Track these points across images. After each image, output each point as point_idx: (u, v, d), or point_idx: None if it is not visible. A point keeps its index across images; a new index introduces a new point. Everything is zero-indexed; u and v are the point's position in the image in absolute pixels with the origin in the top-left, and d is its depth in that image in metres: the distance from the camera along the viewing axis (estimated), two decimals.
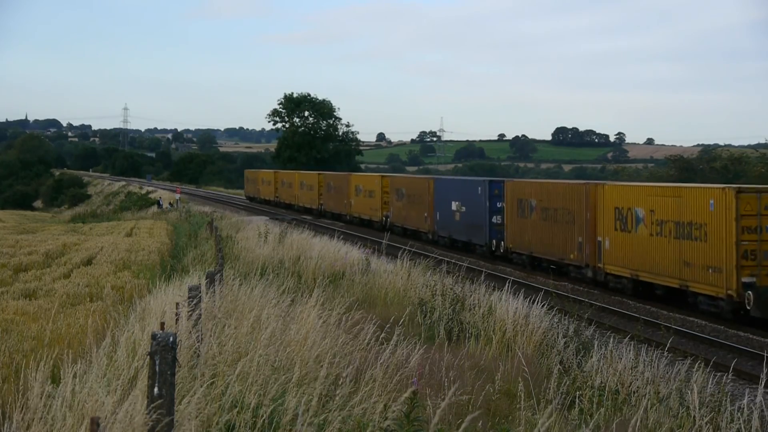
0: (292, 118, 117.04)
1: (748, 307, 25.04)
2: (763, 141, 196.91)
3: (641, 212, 30.23)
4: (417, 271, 25.43)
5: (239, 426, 8.90)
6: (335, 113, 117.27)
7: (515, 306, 18.00)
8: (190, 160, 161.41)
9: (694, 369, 13.78)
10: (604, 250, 32.30)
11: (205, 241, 38.42)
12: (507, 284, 21.41)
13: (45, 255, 35.20)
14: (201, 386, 9.02)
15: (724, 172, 72.27)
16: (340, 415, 8.94)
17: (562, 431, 10.87)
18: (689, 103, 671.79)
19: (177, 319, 11.36)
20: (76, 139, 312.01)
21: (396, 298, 21.84)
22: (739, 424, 11.40)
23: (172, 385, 7.40)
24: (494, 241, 41.61)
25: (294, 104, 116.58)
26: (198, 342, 11.04)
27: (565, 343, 15.45)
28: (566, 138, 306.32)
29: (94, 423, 6.36)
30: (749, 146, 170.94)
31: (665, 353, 15.09)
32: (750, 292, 25.05)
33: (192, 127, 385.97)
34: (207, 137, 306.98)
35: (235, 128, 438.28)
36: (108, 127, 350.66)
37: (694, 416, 11.54)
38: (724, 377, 14.10)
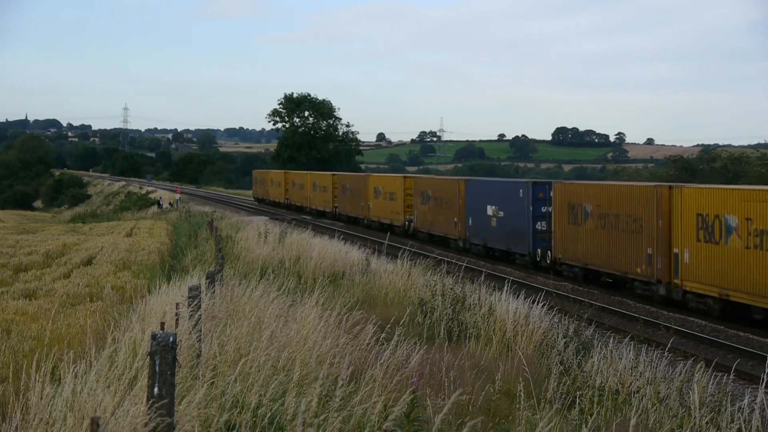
0: (292, 118, 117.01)
1: None
2: (763, 141, 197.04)
3: (733, 220, 25.84)
4: (417, 271, 25.42)
5: (240, 426, 8.90)
6: (335, 113, 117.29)
7: (515, 306, 18.00)
8: (190, 160, 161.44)
9: (695, 369, 13.78)
10: (683, 265, 27.85)
11: (205, 241, 38.41)
12: (507, 284, 21.40)
13: (45, 255, 35.21)
14: (202, 386, 9.02)
15: (724, 172, 72.28)
16: (340, 416, 8.93)
17: (563, 431, 10.86)
18: (689, 103, 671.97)
19: (177, 319, 11.36)
20: (76, 139, 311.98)
21: (396, 298, 21.83)
22: (740, 423, 11.40)
23: (173, 385, 7.40)
24: (539, 250, 37.21)
25: (294, 104, 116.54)
26: (198, 342, 11.04)
27: (565, 343, 15.45)
28: (566, 138, 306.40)
29: (94, 423, 6.36)
30: (749, 146, 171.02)
31: (665, 353, 15.08)
32: None
33: (192, 127, 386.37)
34: (207, 137, 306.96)
35: (235, 128, 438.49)
36: (108, 127, 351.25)
37: (695, 416, 11.53)
38: (725, 377, 14.08)
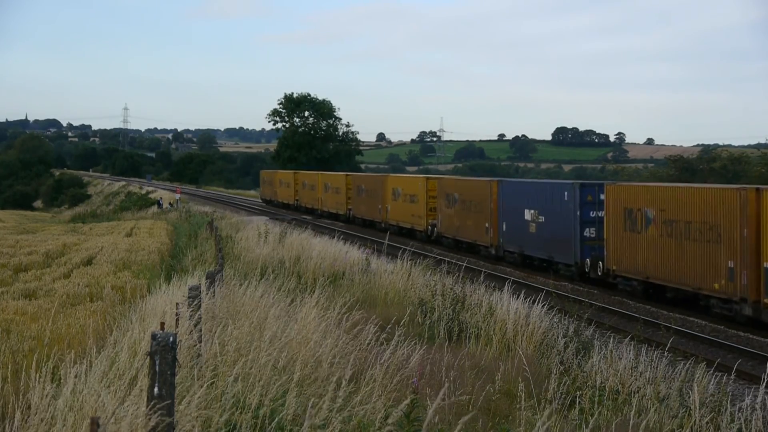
0: (292, 118, 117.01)
1: None
2: (763, 141, 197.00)
3: None
4: (417, 271, 25.42)
5: (240, 426, 8.90)
6: (335, 113, 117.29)
7: (515, 306, 18.01)
8: (190, 160, 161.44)
9: (696, 369, 13.78)
10: None
11: (205, 241, 38.41)
12: (507, 284, 21.41)
13: (45, 255, 35.21)
14: (202, 386, 9.02)
15: (723, 173, 72.27)
16: (340, 416, 8.93)
17: (563, 431, 10.86)
18: (689, 103, 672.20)
19: (177, 319, 11.36)
20: (76, 139, 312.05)
21: (396, 298, 21.83)
22: (740, 424, 11.40)
23: (173, 385, 7.40)
24: (587, 260, 33.56)
25: (294, 104, 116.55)
26: (198, 342, 11.04)
27: (565, 343, 15.45)
28: (566, 138, 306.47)
29: (94, 423, 6.36)
30: (749, 146, 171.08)
31: (665, 353, 15.09)
32: None
33: (192, 127, 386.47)
34: (207, 137, 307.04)
35: (235, 128, 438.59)
36: (108, 127, 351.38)
37: (695, 416, 11.54)
38: (725, 378, 14.09)
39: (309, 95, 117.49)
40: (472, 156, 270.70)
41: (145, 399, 7.45)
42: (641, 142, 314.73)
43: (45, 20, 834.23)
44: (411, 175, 63.92)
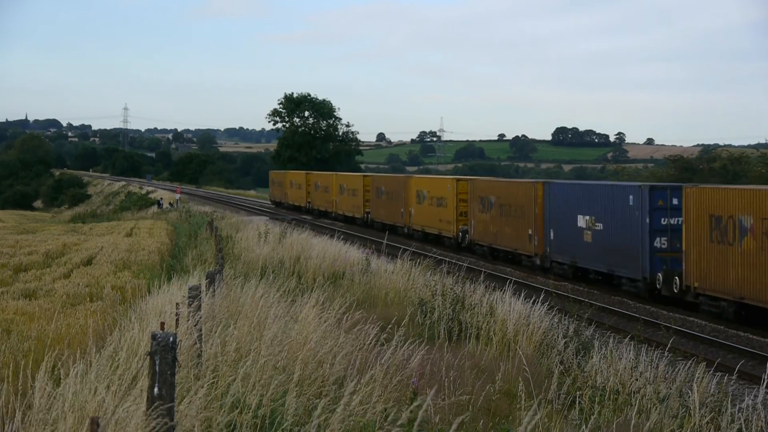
0: (292, 118, 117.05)
1: None
2: (763, 141, 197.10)
3: None
4: (417, 271, 25.41)
5: (240, 426, 8.89)
6: (335, 113, 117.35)
7: (516, 306, 18.00)
8: (190, 160, 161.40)
9: (697, 369, 13.78)
10: None
11: (205, 241, 38.41)
12: (507, 284, 21.40)
13: (45, 255, 35.20)
14: (202, 387, 9.02)
15: (723, 173, 72.24)
16: (340, 416, 8.93)
17: (563, 431, 10.86)
18: (689, 103, 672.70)
19: (177, 319, 11.36)
20: (76, 139, 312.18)
21: (396, 298, 21.83)
22: (740, 424, 11.40)
23: (173, 385, 7.40)
24: (659, 275, 28.80)
25: (294, 104, 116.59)
26: (198, 342, 11.04)
27: (565, 343, 15.45)
28: (566, 138, 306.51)
29: (94, 423, 6.36)
30: (749, 146, 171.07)
31: (665, 353, 15.08)
32: None
33: (192, 127, 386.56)
34: (207, 137, 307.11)
35: (235, 128, 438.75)
36: (108, 127, 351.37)
37: (695, 417, 11.54)
38: (725, 378, 14.09)
39: (309, 95, 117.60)
40: (472, 156, 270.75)
41: (145, 399, 7.46)
42: (641, 142, 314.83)
43: (45, 20, 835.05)
44: (438, 177, 57.88)
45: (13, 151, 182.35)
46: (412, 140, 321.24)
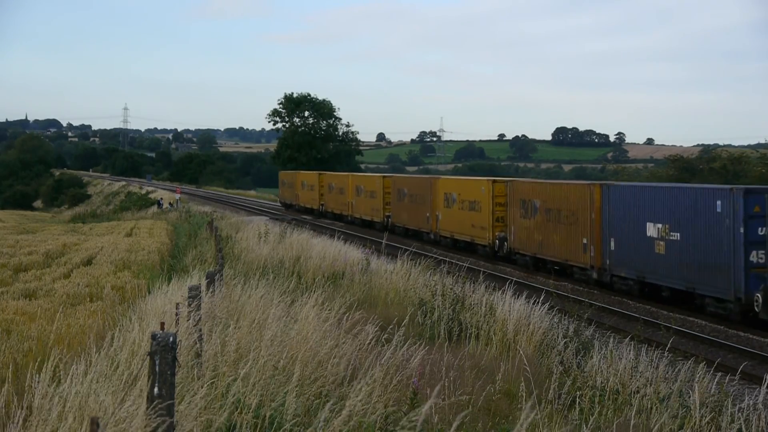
0: (292, 118, 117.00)
1: None
2: (763, 141, 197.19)
3: None
4: (417, 271, 25.41)
5: (240, 426, 8.89)
6: (335, 113, 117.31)
7: (516, 306, 18.00)
8: (190, 160, 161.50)
9: (696, 369, 13.78)
10: None
11: (205, 241, 38.41)
12: (507, 284, 21.39)
13: (45, 255, 35.20)
14: (202, 386, 9.02)
15: (723, 173, 72.24)
16: (341, 415, 8.93)
17: (563, 431, 10.86)
18: (689, 103, 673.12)
19: (177, 319, 11.36)
20: (76, 139, 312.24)
21: (396, 298, 21.83)
22: (740, 424, 11.41)
23: (172, 385, 7.40)
24: (757, 295, 24.86)
25: (294, 104, 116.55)
26: (198, 342, 11.04)
27: (565, 343, 15.45)
28: (566, 138, 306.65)
29: (94, 423, 6.36)
30: (749, 146, 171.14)
31: (665, 353, 15.08)
32: None
33: (192, 127, 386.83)
34: (207, 137, 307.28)
35: (235, 128, 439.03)
36: (108, 127, 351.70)
37: (695, 417, 11.54)
38: (726, 378, 14.09)
39: (309, 95, 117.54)
40: (472, 156, 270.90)
41: (145, 399, 7.45)
42: (641, 142, 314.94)
43: (45, 21, 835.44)
44: (470, 178, 52.40)
45: (13, 151, 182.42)
46: (412, 140, 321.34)
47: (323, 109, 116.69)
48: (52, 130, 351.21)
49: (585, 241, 33.37)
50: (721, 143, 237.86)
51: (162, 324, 8.08)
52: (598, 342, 15.97)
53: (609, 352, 14.73)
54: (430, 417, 9.83)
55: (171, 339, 7.32)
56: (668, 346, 15.88)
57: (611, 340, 19.55)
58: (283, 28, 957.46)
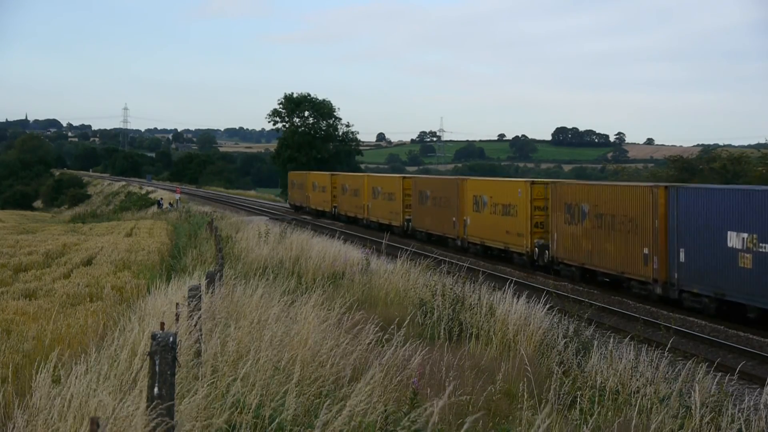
0: (292, 118, 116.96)
1: None
2: (763, 141, 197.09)
3: None
4: (417, 271, 25.41)
5: (240, 426, 8.89)
6: (335, 113, 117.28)
7: (516, 306, 18.00)
8: (190, 160, 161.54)
9: (696, 369, 13.78)
10: None
11: (205, 241, 38.40)
12: (507, 284, 21.39)
13: (45, 255, 35.20)
14: (202, 386, 9.02)
15: (723, 173, 72.24)
16: (341, 415, 8.93)
17: (563, 431, 10.86)
18: (689, 103, 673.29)
19: (177, 319, 11.36)
20: (76, 139, 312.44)
21: (396, 298, 21.82)
22: (740, 424, 11.41)
23: (172, 385, 7.40)
24: None
25: (294, 104, 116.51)
26: (198, 342, 11.04)
27: (565, 343, 15.45)
28: (566, 138, 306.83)
29: (94, 423, 6.36)
30: (749, 146, 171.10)
31: (665, 353, 15.09)
32: None
33: (192, 127, 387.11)
34: (207, 137, 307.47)
35: (235, 128, 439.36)
36: (108, 127, 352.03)
37: (696, 417, 11.54)
38: (726, 378, 14.09)
39: (309, 95, 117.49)
40: (472, 156, 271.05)
41: (145, 399, 7.45)
42: (641, 142, 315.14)
43: (45, 20, 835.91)
44: (504, 179, 48.54)
45: (13, 151, 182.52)
46: (412, 140, 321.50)
47: (323, 109, 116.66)
48: (52, 130, 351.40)
49: (646, 251, 29.51)
50: (721, 143, 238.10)
51: (162, 324, 8.08)
52: (598, 342, 15.97)
53: (609, 352, 14.73)
54: (431, 417, 9.83)
55: (171, 339, 7.32)
56: (668, 346, 15.87)
57: (611, 340, 19.54)
58: (283, 28, 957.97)
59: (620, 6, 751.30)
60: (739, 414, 11.76)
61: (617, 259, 31.40)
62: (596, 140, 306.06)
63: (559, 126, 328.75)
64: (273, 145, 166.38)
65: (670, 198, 28.80)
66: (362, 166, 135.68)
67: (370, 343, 13.14)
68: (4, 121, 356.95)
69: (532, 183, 39.28)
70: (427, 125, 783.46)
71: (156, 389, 7.28)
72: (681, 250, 28.10)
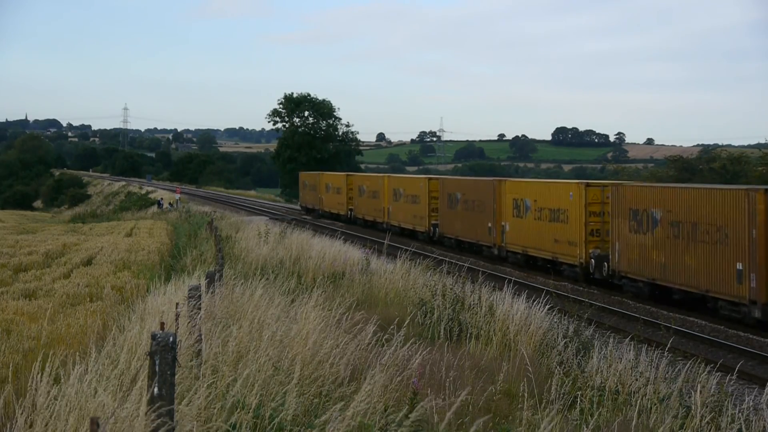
0: (292, 118, 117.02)
1: None
2: (763, 141, 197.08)
3: None
4: (417, 271, 25.41)
5: (240, 426, 8.89)
6: (335, 113, 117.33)
7: (516, 306, 18.00)
8: (190, 160, 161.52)
9: (697, 369, 13.77)
10: None
11: (205, 241, 38.40)
12: (507, 284, 21.38)
13: (45, 255, 35.20)
14: (202, 386, 9.02)
15: (723, 173, 72.25)
16: (340, 416, 8.93)
17: (563, 431, 10.86)
18: (689, 103, 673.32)
19: (177, 319, 11.36)
20: (76, 139, 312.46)
21: (396, 298, 21.82)
22: (740, 424, 11.41)
23: (172, 385, 7.39)
24: None
25: (294, 104, 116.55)
26: (198, 342, 11.04)
27: (565, 343, 15.45)
28: (566, 138, 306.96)
29: (94, 423, 6.35)
30: (749, 146, 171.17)
31: (665, 353, 15.09)
32: None
33: (192, 127, 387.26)
34: (207, 137, 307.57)
35: (235, 128, 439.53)
36: (108, 127, 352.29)
37: (696, 417, 11.54)
38: (727, 377, 14.09)
39: (309, 95, 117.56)
40: (472, 156, 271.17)
41: (145, 399, 7.45)
42: (641, 142, 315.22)
43: (45, 20, 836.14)
44: (550, 181, 43.28)
45: (13, 151, 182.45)
46: (412, 140, 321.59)
47: (323, 109, 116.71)
48: (52, 130, 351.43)
49: (740, 266, 25.08)
50: (721, 143, 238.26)
51: (162, 324, 8.07)
52: (598, 342, 15.97)
53: (609, 352, 14.73)
54: (431, 417, 9.82)
55: (171, 339, 7.31)
56: (668, 346, 15.88)
57: (611, 340, 19.55)
58: (283, 28, 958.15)
59: (620, 6, 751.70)
60: (739, 414, 11.76)
61: (700, 276, 26.89)
62: (596, 140, 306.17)
63: (558, 126, 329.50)
64: (273, 145, 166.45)
65: None
66: (362, 166, 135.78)
67: (370, 343, 13.14)
68: (4, 121, 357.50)
69: (587, 185, 34.69)
70: (427, 125, 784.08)
71: (156, 389, 7.27)
72: None
